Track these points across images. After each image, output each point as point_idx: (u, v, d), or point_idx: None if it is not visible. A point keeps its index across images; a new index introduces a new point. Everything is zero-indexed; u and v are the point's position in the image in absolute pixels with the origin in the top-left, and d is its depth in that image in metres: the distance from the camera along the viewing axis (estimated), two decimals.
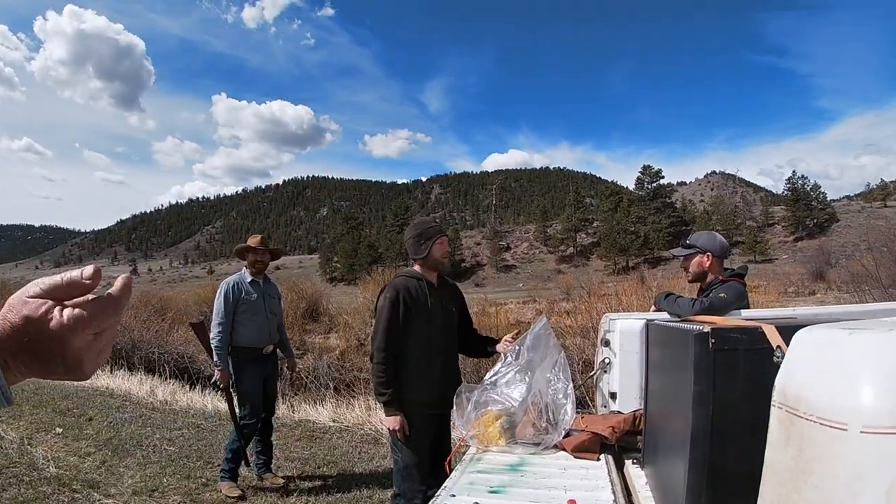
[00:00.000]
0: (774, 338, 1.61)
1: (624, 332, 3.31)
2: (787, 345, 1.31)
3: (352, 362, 14.11)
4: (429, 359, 3.42)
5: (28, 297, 0.66)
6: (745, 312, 3.21)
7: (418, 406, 3.40)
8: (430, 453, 3.44)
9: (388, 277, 26.58)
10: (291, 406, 8.31)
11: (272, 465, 5.21)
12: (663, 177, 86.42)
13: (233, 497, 4.68)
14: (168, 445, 6.10)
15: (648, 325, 2.55)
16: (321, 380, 12.39)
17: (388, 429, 3.38)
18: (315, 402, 8.86)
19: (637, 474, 2.57)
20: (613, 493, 2.29)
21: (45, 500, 4.44)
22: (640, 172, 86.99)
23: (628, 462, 2.74)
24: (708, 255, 3.63)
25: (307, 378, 12.40)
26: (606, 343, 3.43)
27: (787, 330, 1.52)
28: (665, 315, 3.33)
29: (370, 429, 6.95)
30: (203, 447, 6.10)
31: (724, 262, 3.74)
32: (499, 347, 3.54)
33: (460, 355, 3.76)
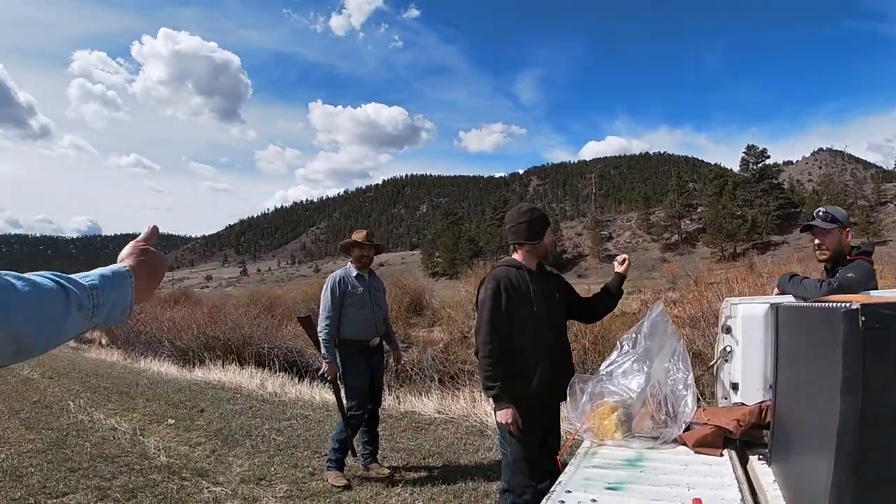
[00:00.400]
0: None
1: (747, 317, 3.08)
2: None
3: (455, 355, 14.13)
4: (535, 349, 3.29)
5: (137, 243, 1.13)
6: (874, 293, 2.92)
7: (526, 398, 3.28)
8: (540, 447, 3.33)
9: (489, 271, 26.47)
10: (397, 397, 8.38)
11: (378, 456, 5.25)
12: (769, 156, 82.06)
13: (339, 486, 4.74)
14: (276, 435, 6.28)
15: (778, 308, 2.34)
16: (426, 372, 12.48)
17: (499, 422, 3.26)
18: (420, 394, 8.91)
19: (763, 471, 2.36)
20: (740, 491, 2.11)
21: (154, 488, 4.64)
22: (745, 153, 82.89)
23: (753, 458, 2.53)
24: (847, 232, 3.32)
25: (412, 370, 12.53)
26: (728, 330, 3.20)
27: None
28: (790, 298, 3.08)
29: (475, 420, 6.90)
30: (311, 437, 6.24)
31: None
32: (617, 268, 3.64)
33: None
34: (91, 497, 4.43)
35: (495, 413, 3.28)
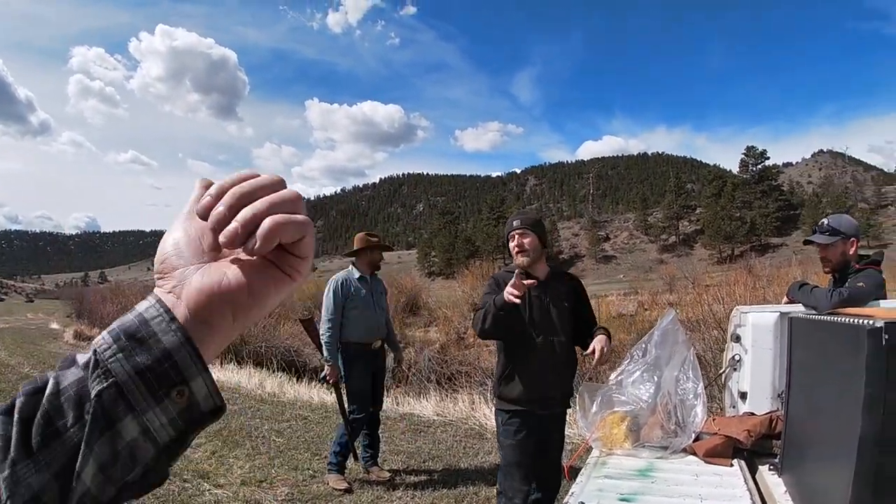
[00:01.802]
0: None
1: (756, 326, 3.07)
2: None
3: (452, 356, 14.11)
4: (524, 356, 3.27)
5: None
6: (883, 303, 2.91)
7: (510, 403, 3.27)
8: (535, 453, 3.31)
9: (486, 270, 26.65)
10: (395, 399, 8.37)
11: (378, 459, 5.24)
12: (768, 158, 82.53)
13: (340, 489, 4.73)
14: (276, 437, 6.26)
15: (792, 319, 2.33)
16: (423, 373, 12.46)
17: (509, 292, 2.93)
18: (418, 395, 8.90)
19: (774, 482, 2.36)
20: (753, 502, 2.10)
21: (155, 490, 4.59)
22: (744, 154, 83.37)
23: (762, 468, 2.52)
24: (853, 242, 3.30)
25: (409, 371, 12.51)
26: (737, 339, 3.19)
27: None
28: (800, 307, 3.07)
29: (474, 423, 6.90)
30: (311, 439, 6.22)
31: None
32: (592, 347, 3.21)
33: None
34: None
35: (497, 392, 3.34)
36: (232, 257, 0.49)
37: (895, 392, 1.47)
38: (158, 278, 0.48)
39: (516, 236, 3.34)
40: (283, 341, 13.55)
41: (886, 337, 1.44)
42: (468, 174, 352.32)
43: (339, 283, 4.92)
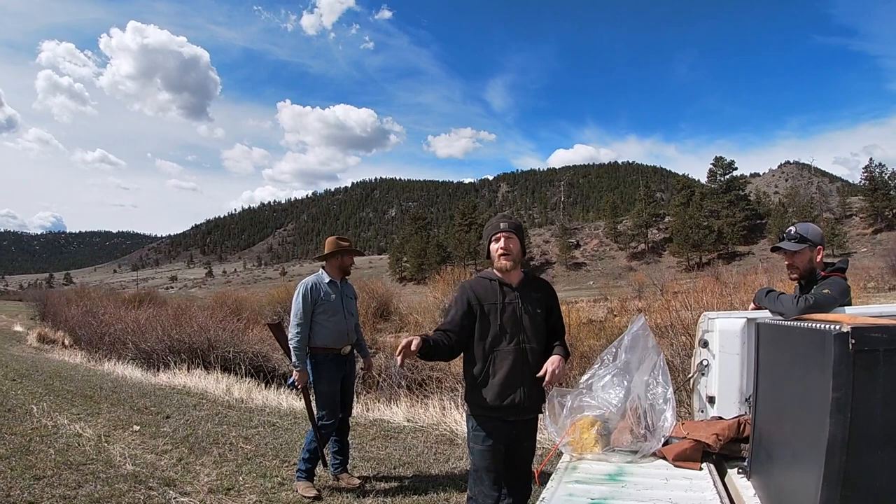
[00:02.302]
0: None
1: (724, 332, 3.11)
2: None
3: (423, 361, 14.08)
4: (494, 362, 3.23)
5: None
6: (847, 309, 2.96)
7: (480, 409, 3.25)
8: (506, 459, 3.30)
9: (457, 276, 26.70)
10: (365, 405, 8.30)
11: (348, 466, 5.19)
12: (736, 168, 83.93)
13: (309, 497, 4.66)
14: (244, 444, 6.16)
15: (760, 325, 2.36)
16: (394, 379, 12.41)
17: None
18: (389, 401, 8.85)
19: (743, 485, 2.38)
20: None
21: (120, 498, 4.49)
22: (713, 164, 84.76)
23: (731, 471, 2.54)
24: (819, 249, 3.35)
25: (379, 377, 12.45)
26: (705, 344, 3.22)
27: None
28: (766, 313, 3.11)
29: (445, 429, 6.87)
30: (279, 446, 6.13)
31: None
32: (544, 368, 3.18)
33: None
34: None
35: (468, 410, 3.31)
36: None
37: (862, 396, 1.49)
38: None
39: (503, 238, 3.29)
40: (251, 346, 13.37)
41: (853, 341, 1.47)
42: (441, 180, 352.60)
43: (309, 287, 4.86)
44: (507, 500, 3.31)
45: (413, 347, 2.89)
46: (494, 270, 3.35)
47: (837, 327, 1.51)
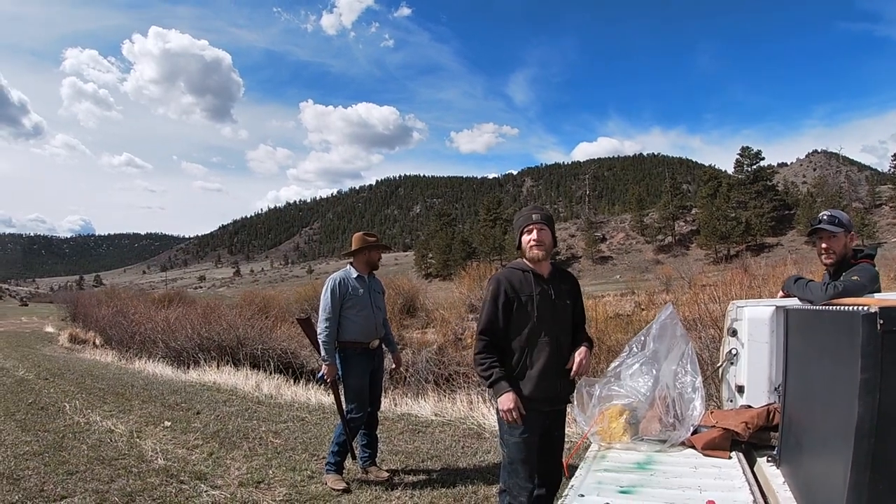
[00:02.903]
0: None
1: (753, 320, 3.09)
2: None
3: (450, 357, 14.12)
4: (531, 353, 3.25)
5: None
6: (877, 296, 2.92)
7: (521, 401, 3.27)
8: (539, 449, 3.32)
9: (483, 272, 26.64)
10: (393, 399, 8.34)
11: (377, 459, 5.23)
12: (763, 158, 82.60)
13: (338, 490, 4.71)
14: (274, 438, 6.23)
15: (788, 311, 2.35)
16: (421, 374, 12.47)
17: (502, 410, 3.16)
18: (416, 396, 8.89)
19: (772, 473, 2.37)
20: (752, 493, 2.12)
21: (152, 491, 4.58)
22: (739, 154, 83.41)
23: (761, 460, 2.54)
24: (852, 236, 3.32)
25: (407, 372, 12.52)
26: (734, 333, 3.20)
27: None
28: (795, 301, 3.08)
29: (473, 423, 6.88)
30: (308, 440, 6.20)
31: None
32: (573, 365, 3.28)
33: None
34: (89, 500, 4.38)
35: (497, 402, 3.22)
36: None
37: (891, 377, 1.48)
38: None
39: (535, 230, 3.30)
40: (279, 343, 13.51)
41: (881, 322, 1.46)
42: (464, 175, 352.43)
43: (337, 282, 4.90)
44: (540, 491, 3.33)
45: (512, 404, 3.11)
46: (525, 261, 3.37)
47: (865, 308, 1.50)
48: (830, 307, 1.97)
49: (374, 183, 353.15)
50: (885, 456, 1.51)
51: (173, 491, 4.60)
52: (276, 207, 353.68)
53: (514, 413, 3.10)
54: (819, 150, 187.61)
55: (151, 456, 5.48)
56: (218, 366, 11.82)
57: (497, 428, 3.40)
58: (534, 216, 3.35)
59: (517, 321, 3.25)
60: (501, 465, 3.43)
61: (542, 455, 3.32)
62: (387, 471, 5.14)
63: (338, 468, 4.88)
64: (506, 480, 3.34)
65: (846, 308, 1.70)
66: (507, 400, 3.11)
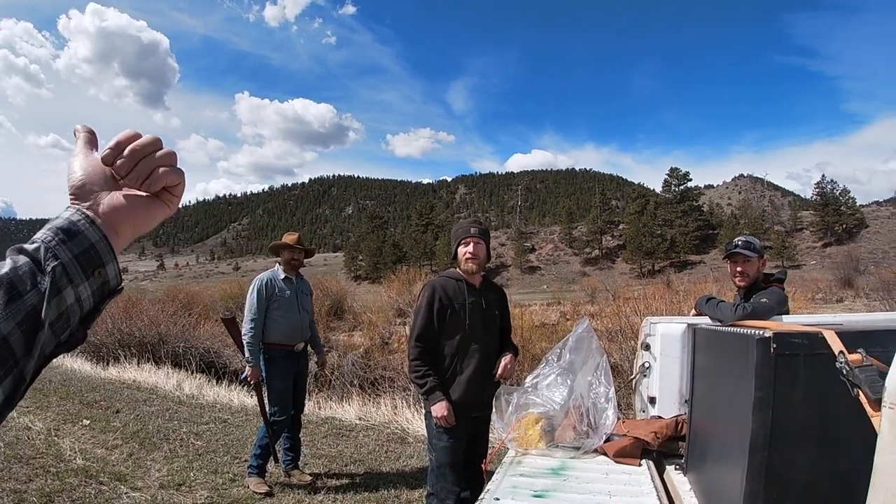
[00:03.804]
0: (836, 344, 1.56)
1: (665, 335, 3.25)
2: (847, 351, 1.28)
3: (376, 361, 14.09)
4: (462, 360, 3.35)
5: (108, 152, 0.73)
6: (785, 318, 3.13)
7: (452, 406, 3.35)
8: (466, 454, 3.40)
9: (413, 277, 26.68)
10: (317, 403, 8.29)
11: (300, 462, 5.20)
12: (691, 179, 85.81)
13: (260, 493, 4.67)
14: (195, 440, 6.12)
15: (696, 329, 2.50)
16: (346, 377, 12.40)
17: (436, 417, 3.25)
18: (341, 400, 8.86)
19: (680, 480, 2.51)
20: (659, 499, 2.24)
21: (71, 492, 4.45)
22: (668, 175, 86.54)
23: (669, 468, 2.68)
24: (764, 261, 3.56)
25: (332, 375, 12.42)
26: (647, 347, 3.36)
27: (848, 336, 1.47)
28: (706, 319, 3.26)
29: (396, 427, 6.92)
30: (230, 442, 6.11)
31: None
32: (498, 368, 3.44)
33: None
34: (7, 501, 4.20)
35: (428, 407, 3.31)
36: (128, 188, 0.73)
37: (783, 396, 1.62)
38: (73, 198, 0.70)
39: (472, 243, 3.40)
40: (202, 342, 13.20)
41: (775, 346, 1.59)
42: (398, 179, 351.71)
43: (264, 282, 4.86)
44: (465, 494, 3.40)
45: (446, 412, 3.21)
46: (459, 271, 3.45)
47: (761, 332, 1.64)
48: (732, 328, 2.11)
49: (307, 181, 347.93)
50: (777, 467, 1.64)
51: (92, 492, 4.47)
52: (204, 200, 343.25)
53: (447, 419, 3.18)
54: (745, 175, 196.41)
55: (70, 455, 5.29)
56: (138, 363, 11.48)
57: (425, 433, 3.46)
58: (472, 230, 3.44)
59: (450, 328, 3.34)
60: (429, 470, 3.48)
61: (469, 460, 3.40)
62: (310, 475, 5.12)
63: (260, 471, 4.83)
64: (433, 484, 3.40)
65: (744, 331, 1.84)
66: (441, 407, 3.20)
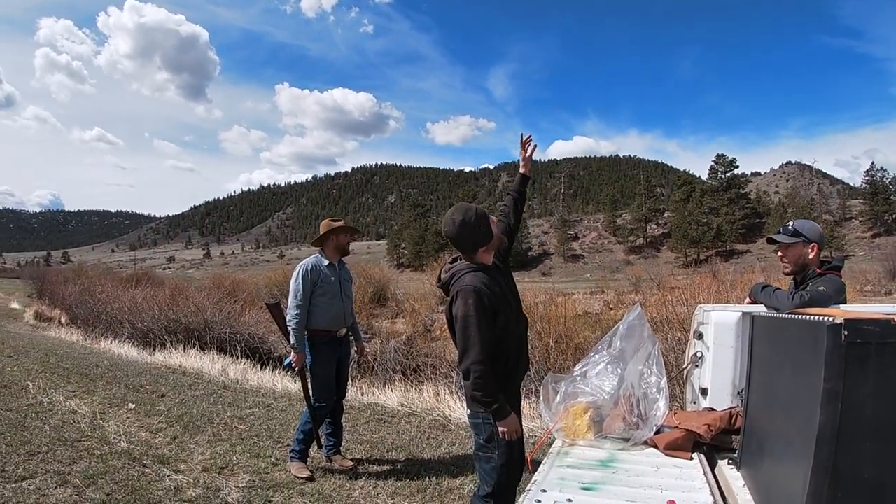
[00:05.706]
0: None
1: (719, 324, 3.12)
2: None
3: (418, 348, 14.12)
4: (516, 351, 2.96)
5: None
6: (842, 307, 2.97)
7: (511, 400, 3.09)
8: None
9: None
10: (360, 389, 8.32)
11: (341, 448, 5.21)
12: (737, 166, 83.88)
13: (302, 478, 4.69)
14: (238, 424, 6.18)
15: (754, 317, 2.38)
16: (389, 364, 12.45)
17: (507, 433, 2.77)
18: (383, 386, 8.88)
19: (733, 476, 2.41)
20: (712, 494, 2.15)
21: (114, 474, 4.51)
22: (714, 161, 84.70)
23: (722, 462, 2.57)
24: (813, 247, 3.35)
25: (374, 362, 12.49)
26: (699, 336, 3.24)
27: None
28: (761, 308, 3.12)
29: (439, 415, 6.88)
30: (273, 426, 6.16)
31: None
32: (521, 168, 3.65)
33: None
34: (50, 482, 4.28)
35: (497, 424, 2.80)
36: None
37: (852, 388, 1.51)
38: None
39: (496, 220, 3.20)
40: (247, 328, 13.38)
41: (846, 333, 1.48)
42: (439, 167, 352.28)
43: (309, 268, 4.86)
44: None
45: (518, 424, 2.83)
46: (481, 259, 3.22)
47: (831, 319, 1.53)
48: (796, 316, 1.99)
49: (349, 170, 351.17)
50: (844, 465, 1.54)
51: (136, 474, 4.53)
52: (249, 190, 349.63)
53: (519, 431, 2.83)
54: (793, 162, 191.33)
55: (114, 438, 5.39)
56: (184, 349, 11.70)
57: (467, 420, 3.14)
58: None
59: (505, 327, 2.89)
60: (487, 468, 2.97)
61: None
62: (351, 460, 5.13)
63: (302, 456, 4.86)
64: (496, 483, 2.93)
65: (811, 317, 1.72)
66: (511, 423, 2.78)
